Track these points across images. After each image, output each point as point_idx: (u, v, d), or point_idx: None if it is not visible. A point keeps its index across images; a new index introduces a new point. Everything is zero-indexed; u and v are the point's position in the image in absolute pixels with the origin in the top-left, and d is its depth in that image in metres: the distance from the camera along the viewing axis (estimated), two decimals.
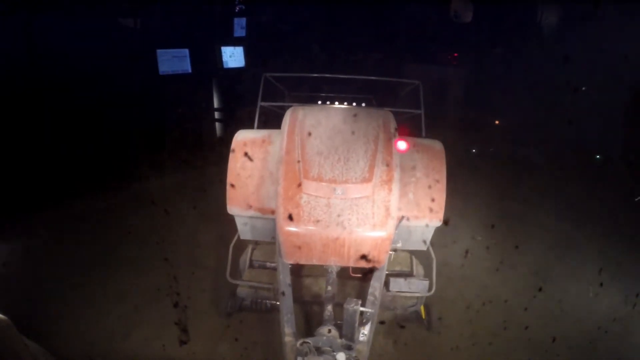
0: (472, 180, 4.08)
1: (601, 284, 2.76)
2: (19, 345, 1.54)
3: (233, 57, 5.66)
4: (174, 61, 5.19)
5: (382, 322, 2.01)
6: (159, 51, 5.05)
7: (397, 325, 2.53)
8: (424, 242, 2.51)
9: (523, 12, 5.82)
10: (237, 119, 5.23)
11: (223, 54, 5.56)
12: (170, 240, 3.28)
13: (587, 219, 3.92)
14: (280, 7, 6.05)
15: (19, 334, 1.53)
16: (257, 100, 2.91)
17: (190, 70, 5.28)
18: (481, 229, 3.62)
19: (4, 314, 1.47)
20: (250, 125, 2.77)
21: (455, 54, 6.36)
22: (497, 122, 5.70)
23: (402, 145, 2.37)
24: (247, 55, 5.73)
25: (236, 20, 5.71)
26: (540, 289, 2.72)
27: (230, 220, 2.53)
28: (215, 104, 5.71)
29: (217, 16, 5.74)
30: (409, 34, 6.27)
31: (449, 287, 2.84)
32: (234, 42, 5.69)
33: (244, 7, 5.77)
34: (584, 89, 4.58)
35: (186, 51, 5.23)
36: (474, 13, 3.84)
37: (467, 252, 3.11)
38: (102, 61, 4.49)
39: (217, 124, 5.81)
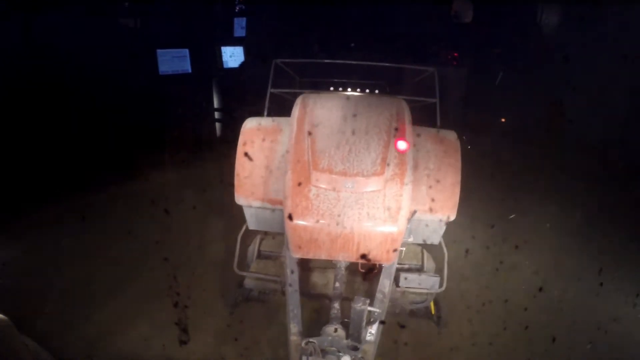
0: (472, 179, 4.08)
1: (601, 284, 2.76)
2: (19, 345, 1.54)
3: (233, 57, 5.66)
4: (174, 61, 5.19)
5: (382, 322, 2.00)
6: (159, 51, 5.05)
7: (397, 324, 2.52)
8: (437, 236, 2.45)
9: (523, 12, 5.82)
10: (237, 119, 5.24)
11: (223, 54, 5.56)
12: (170, 240, 3.28)
13: (587, 218, 3.92)
14: (280, 7, 6.05)
15: (19, 334, 1.53)
16: (256, 100, 2.88)
17: (190, 70, 5.28)
18: (481, 228, 3.62)
19: (4, 314, 1.46)
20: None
21: (456, 54, 6.36)
22: (503, 119, 5.67)
23: (402, 145, 2.29)
24: (247, 55, 5.73)
25: (236, 20, 5.72)
26: (540, 289, 2.71)
27: (231, 219, 2.53)
28: (215, 104, 5.71)
29: (217, 16, 5.75)
30: (409, 34, 6.26)
31: (449, 287, 2.83)
32: (234, 42, 5.69)
33: (244, 7, 5.77)
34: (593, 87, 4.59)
35: (186, 51, 5.23)
36: (474, 13, 3.85)
37: (467, 251, 3.11)
38: (102, 61, 4.49)
39: (217, 124, 5.81)
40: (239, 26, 5.75)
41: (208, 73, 5.55)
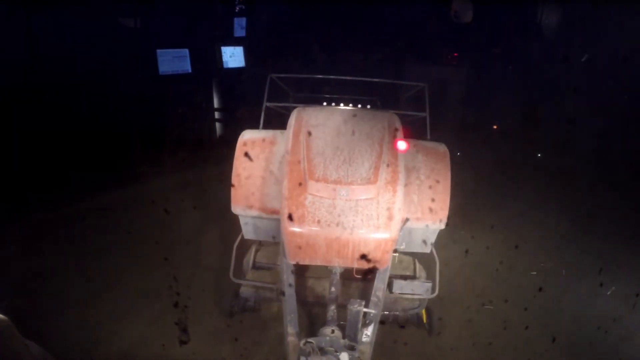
0: (472, 180, 4.08)
1: (601, 284, 2.76)
2: (19, 345, 1.54)
3: (233, 57, 5.66)
4: (174, 61, 5.20)
5: (382, 323, 2.01)
6: (159, 51, 5.06)
7: (397, 325, 2.53)
8: (427, 244, 2.51)
9: (523, 12, 5.83)
10: (237, 119, 5.26)
11: (223, 54, 5.57)
12: (170, 240, 3.28)
13: (587, 219, 3.92)
14: (280, 7, 6.05)
15: (19, 334, 1.53)
16: (257, 100, 2.92)
17: (190, 70, 5.29)
18: (481, 229, 3.62)
19: (4, 314, 1.46)
20: (251, 125, 2.77)
21: (455, 54, 6.36)
22: (495, 127, 5.72)
23: (402, 145, 2.37)
24: (247, 55, 5.74)
25: (236, 20, 5.72)
26: (540, 289, 2.72)
27: (231, 220, 2.53)
28: (215, 104, 5.71)
29: (217, 16, 5.75)
30: (409, 34, 6.27)
31: (449, 287, 2.84)
32: (234, 42, 5.70)
33: (244, 7, 5.78)
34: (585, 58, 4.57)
35: (186, 51, 5.24)
36: (474, 13, 3.85)
37: (467, 251, 3.11)
38: (103, 61, 4.50)
39: (217, 124, 5.82)
40: (239, 26, 5.76)
41: (208, 73, 5.55)
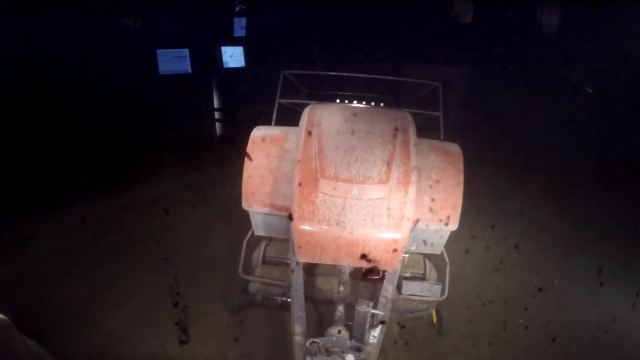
0: (472, 180, 4.08)
1: (601, 284, 2.76)
2: (19, 345, 1.54)
3: (233, 57, 5.66)
4: (174, 61, 5.20)
5: (382, 322, 2.01)
6: (159, 51, 5.05)
7: (398, 325, 2.53)
8: (438, 246, 2.50)
9: (523, 12, 5.82)
10: (237, 119, 5.26)
11: (223, 54, 5.56)
12: (170, 240, 3.28)
13: (587, 219, 3.92)
14: (280, 7, 6.05)
15: (19, 334, 1.53)
16: (257, 99, 2.92)
17: (190, 70, 5.28)
18: (481, 228, 3.62)
19: (4, 314, 1.47)
20: (252, 125, 2.76)
21: (455, 54, 6.36)
22: (492, 124, 5.72)
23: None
24: (247, 55, 5.74)
25: (236, 20, 5.72)
26: (540, 289, 2.72)
27: (231, 219, 2.53)
28: (215, 104, 5.71)
29: (217, 16, 5.75)
30: (409, 34, 6.26)
31: (449, 287, 2.83)
32: (234, 42, 5.70)
33: (244, 7, 5.78)
34: (590, 91, 4.62)
35: (186, 51, 5.23)
36: (474, 13, 3.85)
37: (467, 251, 3.10)
38: (102, 61, 4.50)
39: (217, 124, 5.82)
40: (239, 26, 5.75)
41: (208, 73, 5.55)
